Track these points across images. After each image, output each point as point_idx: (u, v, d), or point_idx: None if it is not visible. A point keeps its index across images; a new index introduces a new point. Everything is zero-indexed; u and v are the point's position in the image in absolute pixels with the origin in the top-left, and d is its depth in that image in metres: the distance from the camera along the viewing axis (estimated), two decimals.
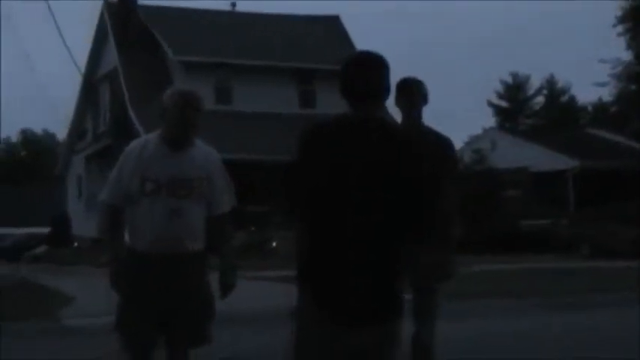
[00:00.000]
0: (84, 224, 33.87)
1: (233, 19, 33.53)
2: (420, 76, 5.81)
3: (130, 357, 4.79)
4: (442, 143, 5.69)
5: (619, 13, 36.38)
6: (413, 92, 5.69)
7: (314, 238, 3.40)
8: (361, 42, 32.22)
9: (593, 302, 12.74)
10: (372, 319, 3.44)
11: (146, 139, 4.84)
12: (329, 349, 3.41)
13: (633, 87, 38.86)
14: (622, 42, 37.24)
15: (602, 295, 13.61)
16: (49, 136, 74.66)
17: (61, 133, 51.79)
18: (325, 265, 3.41)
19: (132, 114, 29.60)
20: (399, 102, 5.71)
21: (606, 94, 51.75)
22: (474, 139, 35.70)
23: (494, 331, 9.81)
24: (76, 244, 34.77)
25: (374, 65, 3.62)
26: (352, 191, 3.40)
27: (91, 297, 12.88)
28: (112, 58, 32.78)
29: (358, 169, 3.42)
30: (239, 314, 10.33)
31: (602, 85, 40.12)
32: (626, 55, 37.81)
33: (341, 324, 3.41)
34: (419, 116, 5.73)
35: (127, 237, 4.79)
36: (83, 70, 34.78)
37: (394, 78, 5.72)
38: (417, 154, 3.57)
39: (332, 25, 34.22)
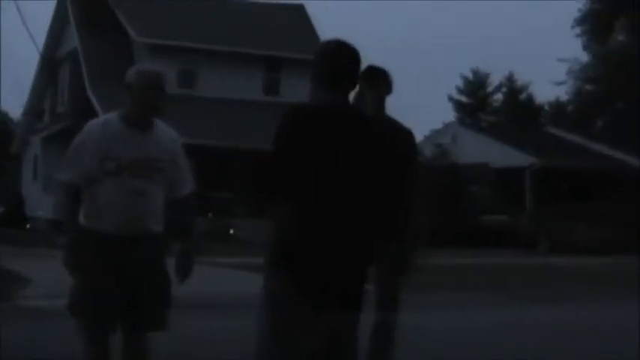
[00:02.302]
0: (39, 205, 33.47)
1: (200, 3, 33.28)
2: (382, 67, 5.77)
3: (86, 341, 4.70)
4: (404, 135, 5.67)
5: (577, 15, 36.84)
6: (381, 81, 5.64)
7: (299, 223, 3.38)
8: (325, 31, 32.15)
9: (553, 297, 12.85)
10: (349, 304, 3.47)
11: (106, 119, 4.76)
12: (306, 331, 3.43)
13: (589, 87, 39.37)
14: (579, 43, 37.76)
15: (561, 290, 13.77)
16: (3, 116, 73.32)
17: (15, 111, 51.10)
18: (309, 249, 3.41)
19: (91, 95, 29.26)
20: (364, 90, 5.65)
21: (563, 92, 52.23)
22: (434, 133, 35.82)
23: (456, 323, 9.84)
24: (28, 225, 34.36)
25: (351, 53, 3.73)
26: (338, 179, 3.44)
27: (46, 278, 12.72)
28: (72, 37, 32.38)
29: (344, 157, 3.46)
30: (199, 300, 10.25)
31: (560, 84, 40.55)
32: (583, 56, 38.33)
33: (321, 307, 3.42)
34: (384, 108, 5.70)
35: (82, 218, 4.68)
36: (42, 48, 34.29)
37: None
38: (394, 144, 3.70)
39: (297, 14, 34.15)
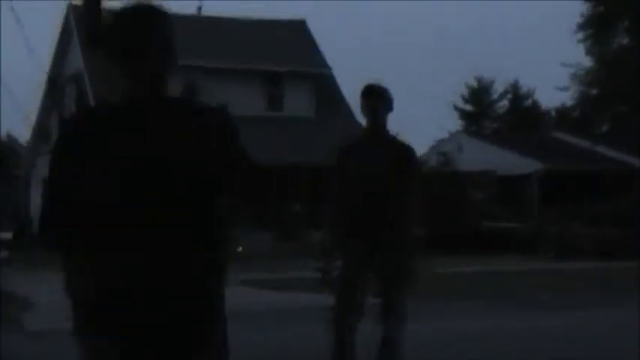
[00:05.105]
0: None
1: (199, 22, 33.43)
2: (385, 80, 5.88)
3: None
4: (405, 151, 5.79)
5: (580, 19, 36.81)
6: (376, 99, 5.76)
7: None
8: (328, 46, 32.34)
9: (560, 303, 12.85)
10: None
11: None
12: None
13: (594, 91, 39.28)
14: (582, 48, 37.68)
15: (567, 296, 13.76)
16: (12, 140, 73.41)
17: (22, 134, 51.28)
18: None
19: None
20: (363, 109, 5.81)
21: (568, 98, 52.17)
22: (439, 143, 35.86)
23: (460, 331, 9.85)
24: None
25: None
26: None
27: (55, 301, 12.74)
28: (77, 59, 32.56)
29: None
30: None
31: (564, 89, 40.44)
32: (586, 61, 38.22)
33: None
34: (383, 123, 5.79)
35: None
36: (48, 70, 34.50)
37: (360, 84, 5.82)
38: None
39: (298, 29, 34.27)
